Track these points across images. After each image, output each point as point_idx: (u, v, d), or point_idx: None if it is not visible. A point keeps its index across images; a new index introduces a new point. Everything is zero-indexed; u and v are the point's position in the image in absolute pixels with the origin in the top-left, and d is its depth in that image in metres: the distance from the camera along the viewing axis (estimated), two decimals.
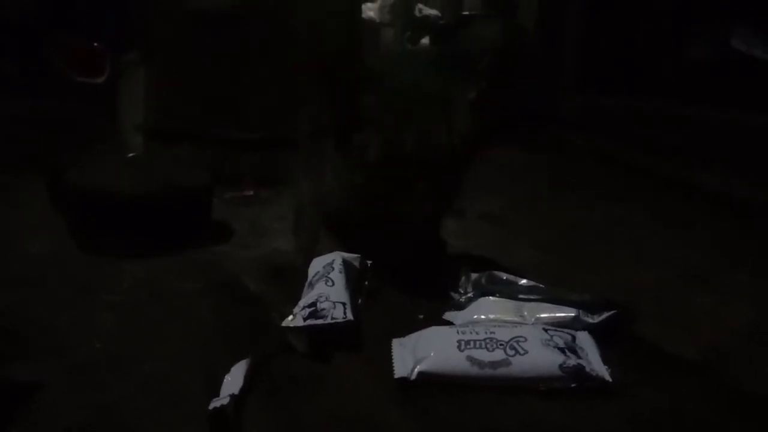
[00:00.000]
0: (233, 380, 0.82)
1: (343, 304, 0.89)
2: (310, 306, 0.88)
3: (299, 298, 0.96)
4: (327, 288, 0.92)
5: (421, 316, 0.95)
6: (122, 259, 1.82)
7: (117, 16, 2.64)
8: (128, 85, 2.55)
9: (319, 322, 0.86)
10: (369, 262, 1.05)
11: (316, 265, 1.02)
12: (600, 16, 3.80)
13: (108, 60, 2.54)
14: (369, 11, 4.05)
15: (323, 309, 0.87)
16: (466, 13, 4.45)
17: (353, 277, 0.99)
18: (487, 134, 1.10)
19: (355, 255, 1.05)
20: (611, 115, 3.63)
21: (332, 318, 0.87)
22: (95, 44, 2.54)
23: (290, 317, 0.89)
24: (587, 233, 2.39)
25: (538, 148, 3.51)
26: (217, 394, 0.83)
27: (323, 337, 0.86)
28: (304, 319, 0.87)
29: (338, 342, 0.87)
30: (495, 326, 0.84)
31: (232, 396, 0.78)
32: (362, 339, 0.89)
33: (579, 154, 3.53)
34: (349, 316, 0.88)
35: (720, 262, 2.13)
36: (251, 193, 2.25)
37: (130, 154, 2.30)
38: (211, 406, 0.78)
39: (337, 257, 1.02)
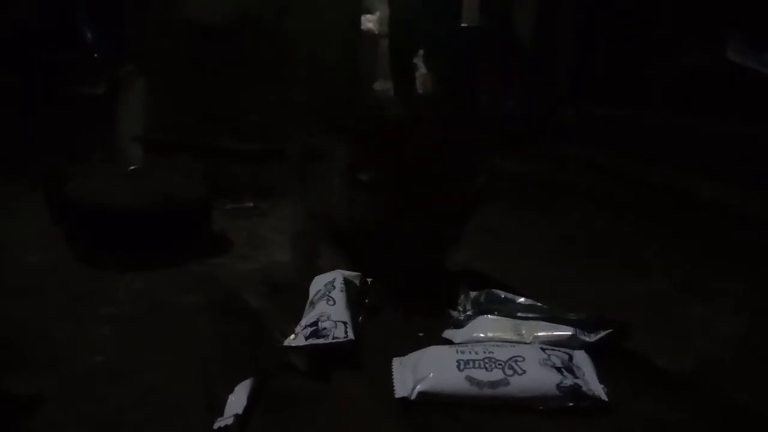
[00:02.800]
0: (237, 400, 0.82)
1: (345, 323, 0.90)
2: (311, 325, 0.89)
3: (299, 315, 0.97)
4: (328, 307, 0.93)
5: (421, 334, 0.96)
6: (121, 272, 1.83)
7: (115, 28, 2.65)
8: (127, 97, 2.56)
9: (321, 341, 0.87)
10: (369, 279, 1.06)
11: (318, 283, 1.03)
12: (595, 26, 3.83)
13: (106, 71, 2.55)
14: (368, 23, 4.07)
15: (324, 328, 0.88)
16: (464, 25, 4.48)
17: (354, 296, 1.00)
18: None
19: (356, 273, 1.06)
20: (606, 125, 3.66)
21: (333, 337, 0.87)
22: (94, 56, 2.55)
23: (292, 336, 0.90)
24: (582, 244, 2.40)
25: (533, 158, 3.53)
26: (216, 408, 0.84)
27: (324, 356, 0.87)
28: (306, 338, 0.88)
29: (339, 361, 0.88)
30: (494, 346, 0.85)
31: (236, 416, 0.79)
32: (363, 357, 0.90)
33: (573, 164, 3.55)
34: (350, 335, 0.88)
35: (714, 272, 2.15)
36: (251, 204, 2.26)
37: (131, 167, 2.31)
38: (216, 425, 0.79)
39: (338, 275, 1.03)
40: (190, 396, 1.07)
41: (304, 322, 0.91)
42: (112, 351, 1.47)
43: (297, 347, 0.87)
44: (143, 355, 1.45)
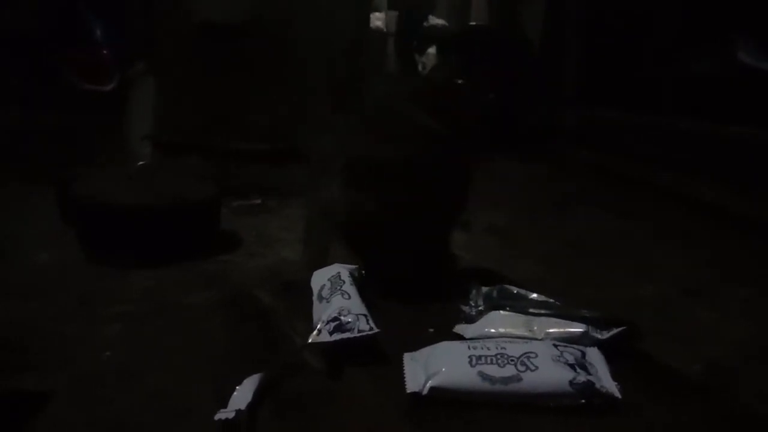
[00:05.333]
0: (242, 394, 0.82)
1: (365, 315, 0.89)
2: (333, 320, 0.88)
3: (309, 312, 0.97)
4: (345, 301, 0.92)
5: (432, 330, 0.96)
6: (130, 270, 1.83)
7: (124, 27, 2.66)
8: (136, 96, 2.57)
9: (347, 335, 0.86)
10: (363, 271, 1.05)
11: (320, 277, 1.02)
12: (602, 30, 3.83)
13: (115, 69, 2.56)
14: (377, 21, 4.10)
15: (348, 322, 0.87)
16: (473, 23, 4.49)
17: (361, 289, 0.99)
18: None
19: (354, 266, 1.05)
20: (612, 129, 3.65)
21: (359, 330, 0.86)
22: (103, 53, 2.56)
23: (314, 333, 0.88)
24: (589, 247, 2.40)
25: (539, 161, 3.53)
26: (225, 407, 0.83)
27: (346, 351, 0.86)
28: (330, 334, 0.86)
29: (360, 354, 0.87)
30: (506, 342, 0.85)
31: (239, 411, 0.78)
32: (379, 351, 0.89)
33: (580, 167, 3.54)
34: (374, 327, 0.88)
35: (721, 276, 2.14)
36: (258, 201, 2.27)
37: (139, 164, 2.31)
38: (216, 417, 0.78)
39: (341, 269, 1.02)
40: (199, 396, 1.06)
41: (324, 317, 0.90)
42: (121, 350, 1.47)
43: (314, 345, 0.86)
44: (153, 354, 1.45)
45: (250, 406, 0.79)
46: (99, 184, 1.94)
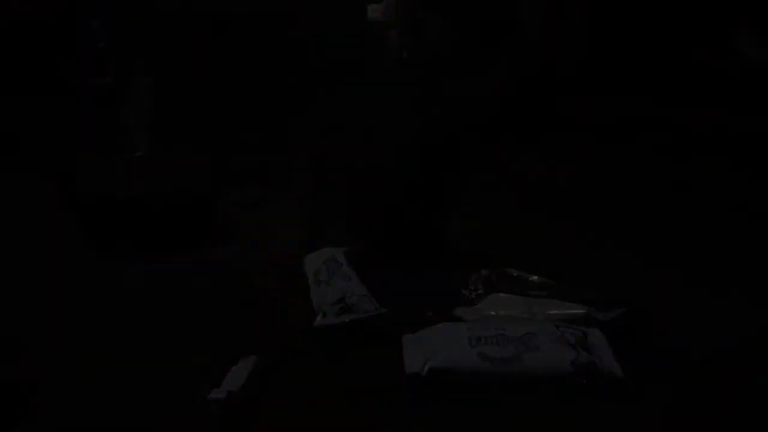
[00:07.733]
0: (236, 375, 0.81)
1: (368, 296, 0.89)
2: (338, 302, 0.88)
3: (308, 299, 0.96)
4: (347, 283, 0.92)
5: (431, 313, 0.95)
6: (128, 261, 1.83)
7: (122, 17, 2.65)
8: (134, 87, 2.57)
9: (354, 316, 0.86)
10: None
11: (313, 262, 1.02)
12: (606, 17, 3.80)
13: (113, 62, 2.56)
14: (374, 12, 4.08)
15: (354, 304, 0.87)
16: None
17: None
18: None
19: (343, 248, 1.05)
20: (614, 116, 3.64)
21: (365, 311, 0.87)
22: (101, 44, 2.56)
23: (320, 316, 0.88)
24: (592, 233, 2.39)
25: (541, 148, 3.52)
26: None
27: (352, 333, 0.86)
28: (337, 316, 0.86)
29: (361, 337, 0.86)
30: (506, 322, 0.85)
31: (230, 393, 0.77)
32: (376, 335, 0.89)
33: (583, 155, 3.53)
34: (380, 307, 0.87)
35: (726, 260, 2.13)
36: (257, 192, 2.27)
37: (137, 154, 2.31)
38: (209, 397, 0.78)
39: (336, 252, 1.02)
40: (199, 384, 1.06)
41: (329, 299, 0.89)
42: (119, 340, 1.47)
43: (322, 327, 0.86)
44: (151, 345, 1.45)
45: (243, 387, 0.79)
46: (97, 174, 1.94)
